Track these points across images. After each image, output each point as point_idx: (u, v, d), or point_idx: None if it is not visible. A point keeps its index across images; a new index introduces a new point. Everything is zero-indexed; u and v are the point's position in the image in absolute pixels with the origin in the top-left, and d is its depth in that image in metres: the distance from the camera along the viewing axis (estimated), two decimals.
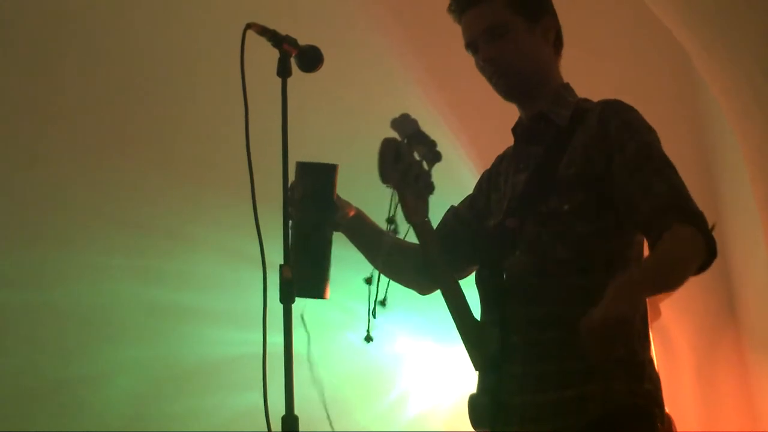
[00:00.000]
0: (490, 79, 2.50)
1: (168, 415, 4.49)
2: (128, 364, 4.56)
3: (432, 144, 2.40)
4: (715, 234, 2.21)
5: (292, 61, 2.30)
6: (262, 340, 2.19)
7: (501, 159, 2.65)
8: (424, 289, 2.67)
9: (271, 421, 2.15)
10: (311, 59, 2.35)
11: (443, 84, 4.72)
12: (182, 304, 4.56)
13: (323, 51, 2.37)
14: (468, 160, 4.51)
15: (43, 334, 4.53)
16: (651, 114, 4.71)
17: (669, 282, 2.20)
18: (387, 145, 2.42)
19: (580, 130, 2.40)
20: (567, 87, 2.56)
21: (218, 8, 4.67)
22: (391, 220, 2.40)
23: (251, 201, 2.22)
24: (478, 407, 2.36)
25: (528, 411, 2.30)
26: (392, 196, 2.42)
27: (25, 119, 4.72)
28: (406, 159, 2.39)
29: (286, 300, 2.10)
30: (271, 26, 2.30)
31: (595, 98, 2.50)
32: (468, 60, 2.53)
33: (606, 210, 2.32)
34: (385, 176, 2.42)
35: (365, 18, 4.71)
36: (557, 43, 2.56)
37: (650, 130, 2.39)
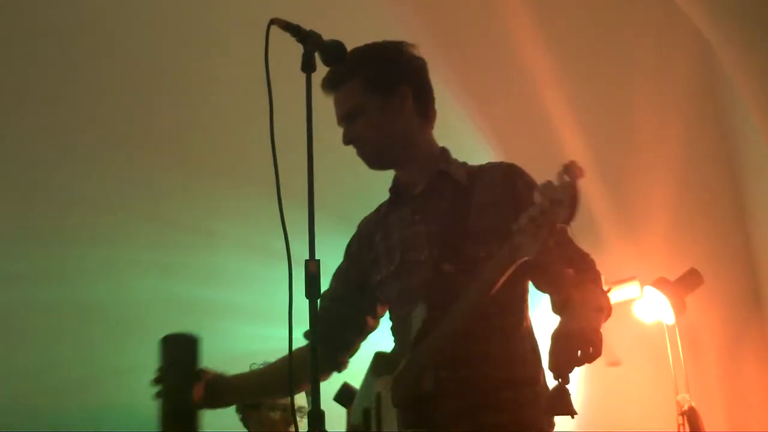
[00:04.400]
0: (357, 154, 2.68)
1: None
2: (152, 359, 4.56)
3: None
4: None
5: (317, 56, 2.30)
6: (287, 335, 2.19)
7: (368, 222, 2.82)
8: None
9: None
10: (335, 54, 2.35)
11: (466, 78, 4.73)
12: (206, 299, 4.57)
13: (347, 46, 2.37)
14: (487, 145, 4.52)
15: (67, 330, 4.56)
16: (674, 107, 4.70)
17: (600, 327, 2.34)
18: None
19: (480, 187, 2.57)
20: (445, 150, 2.71)
21: (242, 4, 4.67)
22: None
23: (276, 196, 2.22)
24: None
25: None
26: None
27: (50, 116, 4.74)
28: None
29: (312, 295, 2.09)
30: (295, 21, 2.30)
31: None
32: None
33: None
34: None
35: (388, 10, 4.70)
36: (423, 107, 2.68)
37: None
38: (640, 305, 4.62)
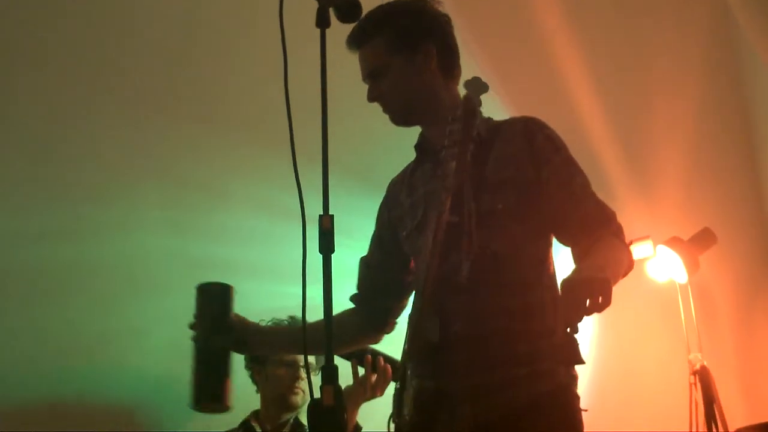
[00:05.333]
0: (382, 110, 2.72)
1: None
2: (166, 317, 4.57)
3: None
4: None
5: (331, 12, 2.29)
6: (299, 292, 2.20)
7: (394, 183, 2.87)
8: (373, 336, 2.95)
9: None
10: (350, 9, 2.34)
11: (483, 39, 4.72)
12: (219, 257, 4.57)
13: (367, 4, 2.38)
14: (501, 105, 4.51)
15: (79, 289, 4.56)
16: (690, 67, 4.67)
17: (617, 278, 2.37)
18: None
19: (499, 140, 2.58)
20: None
21: None
22: None
23: (290, 154, 2.22)
24: (424, 392, 2.48)
25: (476, 390, 2.44)
26: None
27: (62, 75, 4.73)
28: None
29: (326, 250, 2.10)
30: None
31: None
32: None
33: (534, 213, 2.53)
34: None
35: None
36: (447, 64, 2.71)
37: (566, 147, 2.62)
38: (653, 264, 4.63)
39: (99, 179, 4.63)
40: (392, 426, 2.73)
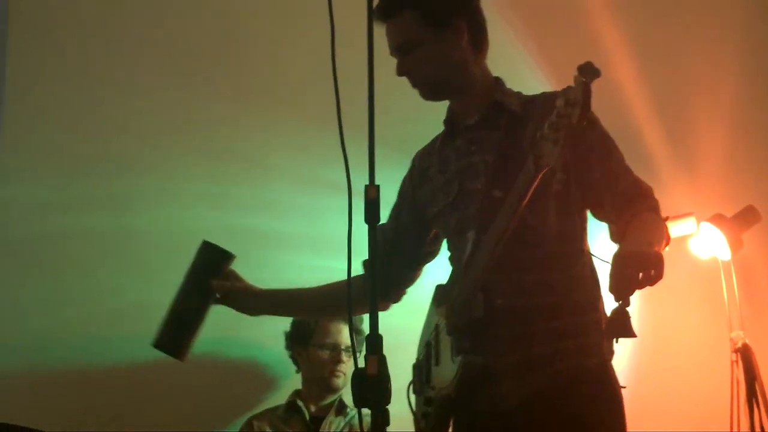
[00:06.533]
0: (411, 85, 2.71)
1: (246, 340, 4.53)
2: None
3: None
4: None
5: None
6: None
7: (421, 156, 2.87)
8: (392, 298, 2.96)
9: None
10: None
11: (523, 14, 4.70)
12: (261, 229, 4.58)
13: None
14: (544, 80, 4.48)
15: (121, 258, 4.59)
16: (732, 45, 4.61)
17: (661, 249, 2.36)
18: None
19: (534, 116, 2.53)
20: (499, 80, 2.73)
21: None
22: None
23: (333, 126, 2.22)
24: (468, 367, 2.47)
25: (521, 365, 2.47)
26: None
27: (104, 43, 4.76)
28: None
29: (371, 220, 2.10)
30: None
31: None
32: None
33: (570, 189, 2.54)
34: None
35: None
36: (477, 39, 2.69)
37: (601, 122, 2.61)
38: (696, 241, 4.60)
39: (141, 150, 4.64)
40: (412, 397, 2.76)
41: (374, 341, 2.04)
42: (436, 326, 2.67)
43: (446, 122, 2.78)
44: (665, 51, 5.00)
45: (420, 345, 2.82)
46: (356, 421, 3.93)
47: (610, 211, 2.53)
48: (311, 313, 3.28)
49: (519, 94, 2.68)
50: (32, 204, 4.56)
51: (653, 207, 2.52)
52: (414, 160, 2.90)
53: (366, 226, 2.13)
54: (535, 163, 2.21)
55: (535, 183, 2.24)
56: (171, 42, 4.76)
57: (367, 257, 2.83)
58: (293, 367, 4.42)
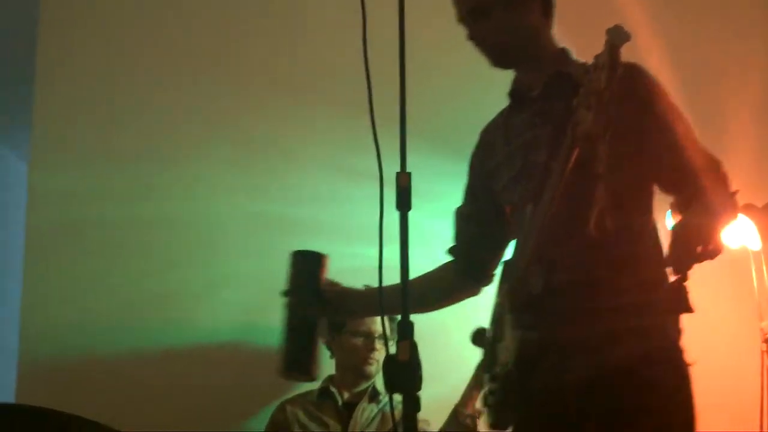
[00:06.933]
0: (479, 50, 2.65)
1: (274, 328, 4.54)
2: (235, 277, 4.62)
3: None
4: None
5: None
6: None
7: (487, 130, 2.82)
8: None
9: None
10: None
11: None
12: (291, 217, 4.59)
13: None
14: None
15: (152, 246, 4.63)
16: (763, 32, 4.57)
17: (724, 226, 2.33)
18: None
19: None
20: (566, 50, 2.68)
21: None
22: None
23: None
24: (526, 343, 2.45)
25: (581, 343, 2.42)
26: None
27: (134, 32, 4.79)
28: None
29: (403, 207, 2.10)
30: None
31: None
32: None
33: (636, 162, 2.46)
34: None
35: None
36: (547, 6, 2.67)
37: (668, 94, 2.56)
38: (727, 231, 4.58)
39: (172, 139, 4.68)
40: (484, 375, 2.72)
41: (406, 327, 2.05)
42: (500, 303, 2.63)
43: (511, 94, 2.75)
44: (697, 43, 4.99)
45: (490, 322, 2.76)
46: (388, 408, 3.93)
47: (675, 184, 2.50)
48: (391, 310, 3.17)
49: (585, 65, 2.53)
50: (63, 192, 4.61)
51: (720, 179, 2.48)
52: (481, 135, 2.86)
53: (398, 214, 2.14)
54: (572, 132, 2.19)
55: (575, 152, 2.20)
56: (204, 30, 4.79)
57: (450, 245, 2.91)
58: (324, 354, 4.44)
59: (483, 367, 2.74)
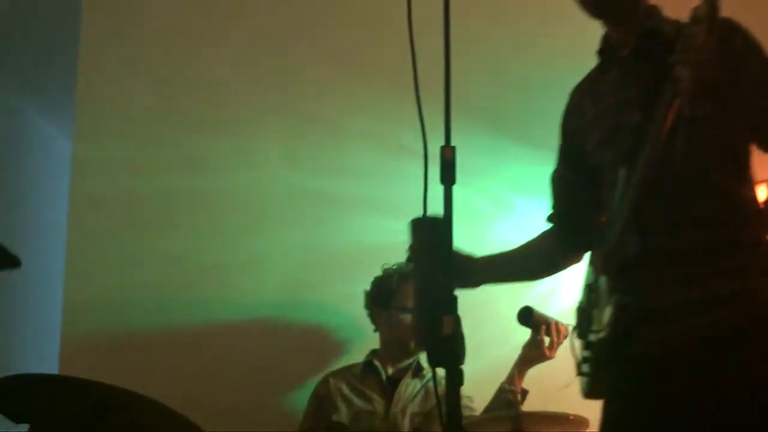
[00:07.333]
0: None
1: (320, 301, 4.56)
2: (283, 250, 4.63)
3: None
4: None
5: None
6: None
7: (576, 91, 2.74)
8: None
9: None
10: None
11: None
12: (338, 191, 4.59)
13: None
14: None
15: (203, 219, 4.65)
16: None
17: None
18: None
19: None
20: (656, 8, 2.58)
21: None
22: None
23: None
24: (623, 308, 2.38)
25: (676, 308, 2.33)
26: None
27: (191, 11, 4.80)
28: None
29: (447, 181, 2.10)
30: None
31: None
32: None
33: (732, 120, 2.34)
34: None
35: None
36: None
37: (764, 49, 2.42)
38: None
39: (220, 111, 4.69)
40: (576, 342, 2.67)
41: (449, 301, 2.05)
42: (594, 268, 2.58)
43: (600, 53, 2.67)
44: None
45: (582, 287, 2.69)
46: (432, 383, 3.94)
47: None
48: (515, 278, 3.06)
49: (677, 22, 2.48)
50: (110, 164, 4.64)
51: None
52: (570, 95, 2.78)
53: (442, 188, 2.13)
54: (670, 90, 2.12)
55: (673, 110, 2.14)
56: (253, 7, 4.78)
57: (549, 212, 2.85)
58: (360, 331, 4.45)
59: (576, 334, 2.67)
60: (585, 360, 2.59)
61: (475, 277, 2.80)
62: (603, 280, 2.49)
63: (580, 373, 2.62)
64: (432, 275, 2.59)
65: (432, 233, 2.68)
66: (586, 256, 2.73)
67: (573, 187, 2.76)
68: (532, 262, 2.89)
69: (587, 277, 2.64)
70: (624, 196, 2.37)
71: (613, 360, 2.47)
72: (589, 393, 2.58)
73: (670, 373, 2.34)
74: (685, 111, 2.15)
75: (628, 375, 2.44)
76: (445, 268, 2.58)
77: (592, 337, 2.55)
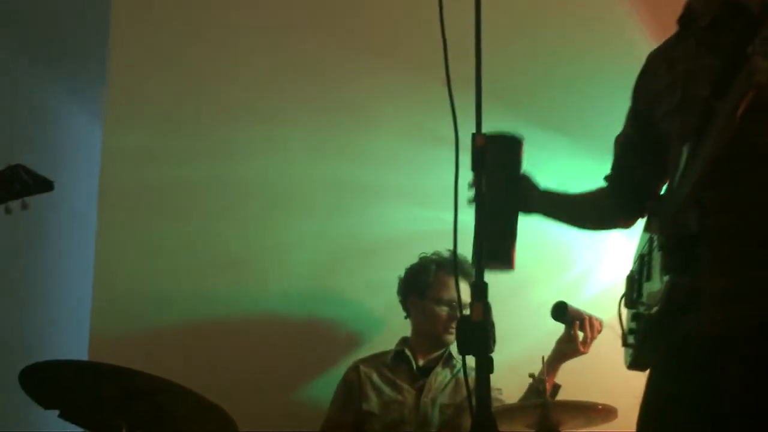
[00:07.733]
0: None
1: (346, 288, 4.56)
2: (309, 238, 4.63)
3: None
4: None
5: None
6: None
7: (653, 56, 2.68)
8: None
9: None
10: None
11: None
12: (365, 180, 4.58)
13: None
14: None
15: (230, 206, 4.66)
16: None
17: None
18: None
19: None
20: None
21: None
22: None
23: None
24: (676, 288, 2.32)
25: (731, 291, 2.28)
26: None
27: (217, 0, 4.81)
28: None
29: (478, 168, 2.09)
30: None
31: None
32: None
33: None
34: None
35: None
36: None
37: None
38: None
39: (246, 100, 4.68)
40: (624, 309, 2.64)
41: (480, 288, 2.05)
42: (650, 239, 2.53)
43: (680, 20, 2.59)
44: None
45: (635, 256, 2.67)
46: (462, 373, 3.93)
47: None
48: (566, 221, 3.00)
49: None
50: (138, 153, 4.64)
51: None
52: (647, 59, 2.71)
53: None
54: (747, 79, 2.05)
55: (747, 99, 2.07)
56: None
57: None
58: (377, 323, 4.45)
59: (625, 303, 2.64)
60: (631, 332, 2.56)
61: (531, 205, 2.77)
62: (657, 254, 2.43)
63: (625, 344, 2.59)
64: (499, 193, 2.51)
65: (506, 152, 2.64)
66: (637, 225, 2.72)
67: (637, 150, 2.72)
68: (585, 213, 2.86)
69: (641, 247, 2.60)
70: (686, 171, 2.32)
71: (662, 337, 2.42)
72: (633, 364, 2.56)
73: (729, 356, 2.28)
74: (759, 101, 2.09)
75: (680, 354, 2.39)
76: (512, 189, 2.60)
77: (641, 309, 2.51)
